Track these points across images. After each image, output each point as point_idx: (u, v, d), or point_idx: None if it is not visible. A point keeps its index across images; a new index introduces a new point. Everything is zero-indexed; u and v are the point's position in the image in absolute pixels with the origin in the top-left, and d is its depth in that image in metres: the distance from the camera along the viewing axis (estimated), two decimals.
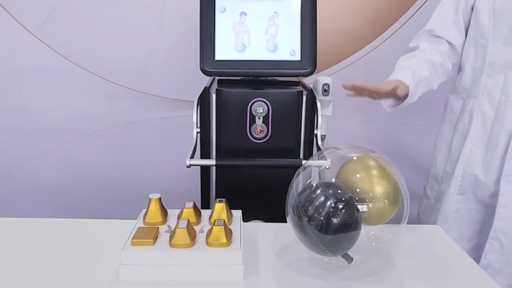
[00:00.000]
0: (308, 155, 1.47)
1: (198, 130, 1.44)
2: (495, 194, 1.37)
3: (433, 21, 1.48)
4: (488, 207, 1.40)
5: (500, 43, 1.32)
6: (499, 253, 1.37)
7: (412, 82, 1.36)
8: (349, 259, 0.97)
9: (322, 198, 0.93)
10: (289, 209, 0.99)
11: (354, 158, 1.04)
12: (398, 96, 1.32)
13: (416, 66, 1.41)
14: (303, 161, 1.36)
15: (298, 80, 1.58)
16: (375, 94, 1.33)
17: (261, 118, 1.39)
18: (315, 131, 1.46)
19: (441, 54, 1.44)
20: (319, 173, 1.05)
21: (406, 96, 1.34)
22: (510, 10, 1.30)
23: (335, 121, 1.58)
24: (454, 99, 1.49)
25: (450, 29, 1.44)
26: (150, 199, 1.05)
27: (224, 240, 0.95)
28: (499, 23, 1.31)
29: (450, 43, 1.45)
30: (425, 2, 2.02)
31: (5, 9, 2.02)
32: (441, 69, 1.45)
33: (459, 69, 1.49)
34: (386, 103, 1.42)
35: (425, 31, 1.50)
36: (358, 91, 1.29)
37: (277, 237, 1.13)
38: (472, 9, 1.39)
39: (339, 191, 0.95)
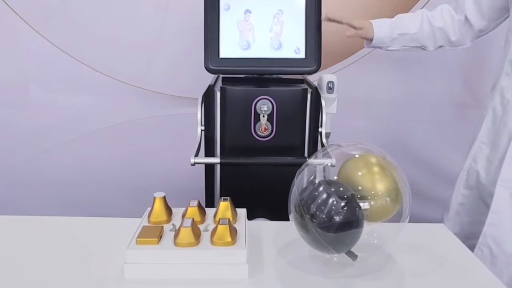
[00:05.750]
0: (313, 153, 1.47)
1: (203, 128, 1.44)
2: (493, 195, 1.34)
3: None
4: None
5: None
6: (490, 262, 1.33)
7: (385, 31, 1.46)
8: (353, 256, 0.97)
9: (324, 196, 0.92)
10: (291, 207, 0.99)
11: (356, 155, 1.03)
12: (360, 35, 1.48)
13: (404, 21, 1.47)
14: (308, 159, 1.36)
15: (302, 78, 1.57)
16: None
17: (266, 116, 1.38)
18: (320, 129, 1.45)
19: (451, 20, 1.43)
20: (324, 169, 1.05)
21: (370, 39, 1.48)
22: None
23: (339, 118, 1.58)
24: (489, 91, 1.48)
25: (469, 6, 1.41)
26: (154, 198, 1.05)
27: (229, 239, 0.95)
28: None
29: (466, 18, 1.42)
30: (428, 1, 2.01)
31: (9, 6, 2.02)
32: (440, 33, 1.45)
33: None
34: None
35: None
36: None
37: (280, 235, 1.13)
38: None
39: (341, 189, 0.95)
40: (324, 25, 1.46)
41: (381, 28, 1.46)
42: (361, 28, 1.46)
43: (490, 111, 1.36)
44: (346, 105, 1.62)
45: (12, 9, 2.02)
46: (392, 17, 1.50)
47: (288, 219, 1.02)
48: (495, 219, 1.31)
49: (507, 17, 1.37)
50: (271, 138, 1.41)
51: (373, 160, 1.02)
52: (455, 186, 1.47)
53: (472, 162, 1.41)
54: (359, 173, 0.99)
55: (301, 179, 1.01)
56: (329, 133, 1.55)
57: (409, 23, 1.46)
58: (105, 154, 2.26)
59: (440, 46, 1.50)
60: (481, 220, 1.37)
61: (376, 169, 1.00)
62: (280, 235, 1.13)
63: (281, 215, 1.13)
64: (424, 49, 1.51)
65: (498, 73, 1.37)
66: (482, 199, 1.38)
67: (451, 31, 1.44)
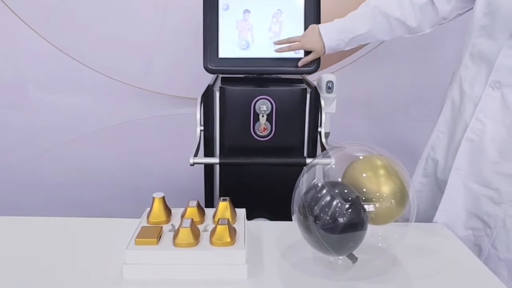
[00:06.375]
0: (312, 152, 1.47)
1: (202, 128, 1.43)
2: None
3: None
4: None
5: (484, 34, 1.27)
6: None
7: (335, 39, 1.42)
8: (353, 258, 0.96)
9: (328, 198, 0.92)
10: (295, 208, 0.98)
11: (361, 157, 1.03)
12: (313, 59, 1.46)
13: (354, 22, 1.43)
14: (307, 159, 1.36)
15: (301, 78, 1.57)
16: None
17: (265, 116, 1.38)
18: (319, 129, 1.45)
19: (411, 6, 1.38)
20: (324, 172, 1.04)
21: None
22: (503, 4, 1.23)
23: (338, 118, 1.58)
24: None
25: None
26: (153, 198, 1.05)
27: (228, 239, 0.95)
28: (489, 12, 1.26)
29: (432, 2, 1.38)
30: None
31: (8, 7, 2.02)
32: (397, 24, 1.41)
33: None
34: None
35: None
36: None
37: (282, 236, 1.13)
38: None
39: (345, 191, 0.94)
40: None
41: (330, 37, 1.42)
42: (313, 50, 1.43)
43: (449, 100, 1.38)
44: (345, 104, 1.62)
45: (12, 10, 2.02)
46: None
47: (288, 219, 1.02)
48: (447, 205, 1.32)
49: (470, 9, 1.37)
50: (270, 138, 1.41)
51: (379, 162, 1.01)
52: (413, 176, 1.48)
53: (430, 150, 1.43)
54: (364, 175, 0.99)
55: (306, 180, 1.01)
56: (329, 132, 1.55)
57: (360, 23, 1.43)
58: (104, 154, 2.26)
59: (399, 36, 1.46)
60: (437, 206, 1.38)
61: (381, 171, 0.99)
62: (280, 236, 1.13)
63: (280, 215, 1.13)
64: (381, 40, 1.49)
65: (457, 65, 1.38)
66: (439, 187, 1.39)
67: (410, 19, 1.40)
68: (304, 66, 1.44)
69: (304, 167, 1.04)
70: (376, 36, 1.45)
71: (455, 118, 1.34)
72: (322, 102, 1.44)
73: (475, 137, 1.27)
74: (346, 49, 1.47)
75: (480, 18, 1.27)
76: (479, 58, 1.29)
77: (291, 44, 1.43)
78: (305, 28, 1.44)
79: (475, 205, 1.30)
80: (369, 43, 1.57)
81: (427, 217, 1.38)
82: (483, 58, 1.27)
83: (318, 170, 1.03)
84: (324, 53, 1.45)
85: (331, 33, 1.42)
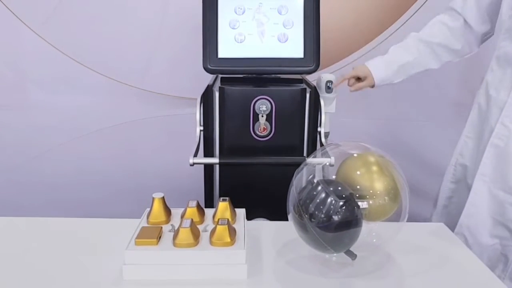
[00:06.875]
0: (312, 152, 1.46)
1: (201, 128, 1.43)
2: None
3: None
4: None
5: (508, 36, 1.26)
6: None
7: (383, 70, 1.46)
8: (352, 256, 0.97)
9: (322, 195, 0.92)
10: (290, 206, 0.99)
11: (354, 154, 1.03)
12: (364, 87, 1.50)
13: (397, 52, 1.45)
14: (307, 159, 1.36)
15: (301, 78, 1.57)
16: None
17: (265, 116, 1.38)
18: (319, 129, 1.45)
19: (448, 30, 1.40)
20: (323, 168, 1.05)
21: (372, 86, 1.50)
22: None
23: (338, 118, 1.58)
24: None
25: (471, 9, 1.37)
26: (153, 199, 1.05)
27: (228, 239, 0.95)
28: None
29: (466, 22, 1.38)
30: (426, 1, 2.00)
31: (7, 7, 2.02)
32: (441, 49, 1.42)
33: None
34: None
35: (449, 6, 1.44)
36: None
37: (280, 235, 1.13)
38: None
39: (339, 188, 0.95)
40: (323, 24, 1.45)
41: (378, 68, 1.46)
42: (365, 77, 1.47)
43: (476, 105, 1.37)
44: (345, 104, 1.62)
45: (11, 11, 2.02)
46: (394, 13, 1.47)
47: (287, 219, 1.02)
48: (471, 211, 1.31)
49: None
50: (270, 138, 1.41)
51: (372, 159, 1.02)
52: (442, 181, 1.48)
53: (459, 156, 1.43)
54: (358, 172, 0.99)
55: (300, 179, 1.01)
56: (328, 132, 1.55)
57: (403, 52, 1.45)
58: (104, 155, 2.25)
59: (447, 61, 1.47)
60: None
61: (374, 168, 1.00)
62: (279, 235, 1.13)
63: (280, 215, 1.13)
64: (430, 69, 1.48)
65: (485, 68, 1.37)
66: (469, 191, 1.37)
67: (452, 42, 1.41)
68: (304, 66, 1.44)
69: (298, 167, 1.04)
70: (423, 63, 1.45)
71: (482, 123, 1.33)
72: (322, 102, 1.44)
73: (501, 143, 1.25)
74: (397, 81, 1.49)
75: (505, 20, 1.26)
76: (504, 61, 1.27)
77: (345, 75, 1.50)
78: (305, 28, 1.44)
79: (500, 213, 1.27)
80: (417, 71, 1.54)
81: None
82: (509, 62, 1.26)
83: (316, 168, 1.04)
84: (374, 84, 1.48)
85: (378, 65, 1.46)
